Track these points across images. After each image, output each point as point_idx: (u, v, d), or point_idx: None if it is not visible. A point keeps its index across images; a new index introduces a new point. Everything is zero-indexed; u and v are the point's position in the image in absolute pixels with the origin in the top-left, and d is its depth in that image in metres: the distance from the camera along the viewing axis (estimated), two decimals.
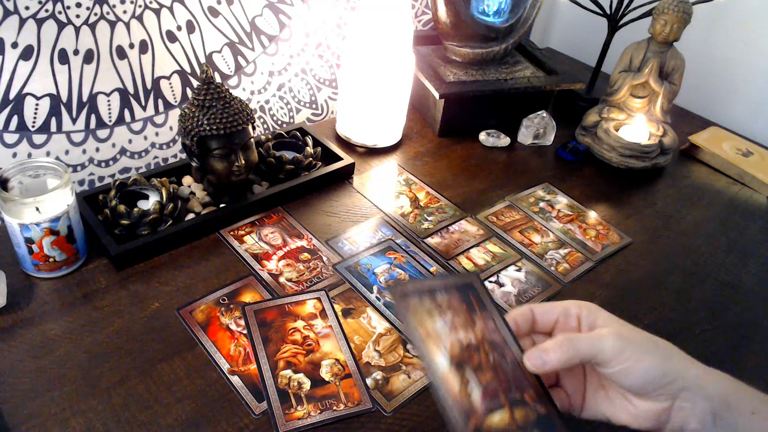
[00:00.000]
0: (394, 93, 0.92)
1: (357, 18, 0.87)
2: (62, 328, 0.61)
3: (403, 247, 0.77)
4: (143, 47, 0.82)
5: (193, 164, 0.75)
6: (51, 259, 0.65)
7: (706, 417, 0.41)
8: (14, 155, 0.77)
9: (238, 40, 0.91)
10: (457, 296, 0.46)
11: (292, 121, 1.05)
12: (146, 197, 0.76)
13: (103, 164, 0.86)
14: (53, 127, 0.79)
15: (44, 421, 0.53)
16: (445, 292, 0.46)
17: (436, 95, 0.94)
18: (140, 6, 0.79)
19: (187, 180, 0.81)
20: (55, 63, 0.75)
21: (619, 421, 0.43)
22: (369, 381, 0.59)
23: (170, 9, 0.82)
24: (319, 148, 0.88)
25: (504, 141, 1.02)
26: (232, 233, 0.76)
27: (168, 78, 0.86)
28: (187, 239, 0.73)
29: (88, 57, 0.77)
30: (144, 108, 0.86)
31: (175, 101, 0.89)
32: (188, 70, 0.88)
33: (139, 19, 0.80)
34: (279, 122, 1.04)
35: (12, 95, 0.74)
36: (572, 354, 0.41)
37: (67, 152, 0.82)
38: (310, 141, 0.87)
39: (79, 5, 0.74)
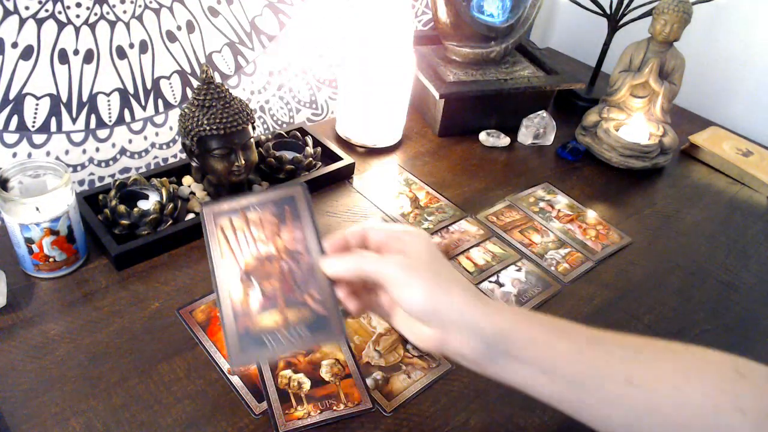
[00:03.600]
0: (394, 93, 0.92)
1: (357, 18, 0.87)
2: (62, 328, 0.61)
3: None
4: (143, 47, 0.82)
5: (193, 164, 0.75)
6: (51, 259, 0.65)
7: (477, 346, 0.44)
8: (14, 155, 0.77)
9: (238, 40, 0.91)
10: (271, 210, 0.50)
11: (292, 121, 1.05)
12: (146, 197, 0.76)
13: (103, 164, 0.86)
14: (53, 127, 0.79)
15: (44, 421, 0.53)
16: (259, 207, 0.50)
17: (436, 95, 0.94)
18: (140, 6, 0.79)
19: (187, 180, 0.81)
20: (55, 63, 0.75)
21: (411, 340, 0.47)
22: (369, 381, 0.59)
23: (170, 9, 0.82)
24: (319, 148, 0.88)
25: (504, 141, 1.02)
26: None
27: (168, 78, 0.86)
28: (187, 239, 0.73)
29: (88, 57, 0.77)
30: (144, 108, 0.86)
31: (175, 101, 0.89)
32: (188, 70, 0.88)
33: (139, 19, 0.79)
34: (279, 122, 1.04)
35: (12, 95, 0.74)
36: (357, 267, 0.46)
37: (67, 152, 0.82)
38: (310, 141, 0.87)
39: (79, 5, 0.74)
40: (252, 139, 0.75)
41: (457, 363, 0.62)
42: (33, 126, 0.77)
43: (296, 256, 0.49)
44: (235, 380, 0.58)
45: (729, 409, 0.42)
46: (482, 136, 1.02)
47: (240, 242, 0.49)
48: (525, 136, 1.03)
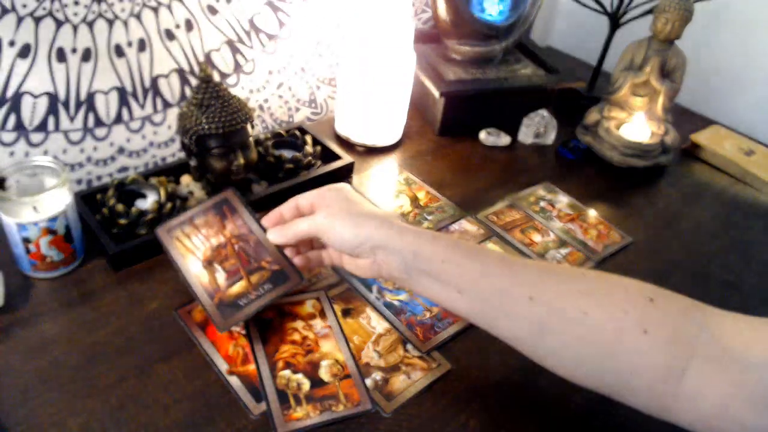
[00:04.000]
0: (394, 92, 0.91)
1: (357, 17, 0.87)
2: (60, 328, 0.61)
3: None
4: (141, 46, 0.81)
5: (192, 163, 0.75)
6: (48, 259, 0.65)
7: (400, 265, 0.53)
8: (11, 154, 0.77)
9: (236, 39, 0.91)
10: (212, 212, 0.63)
11: (291, 120, 1.05)
12: (144, 196, 0.76)
13: (101, 163, 0.86)
14: (51, 125, 0.78)
15: (41, 422, 0.52)
16: (202, 214, 0.63)
17: (436, 94, 0.94)
18: (138, 4, 0.78)
19: (185, 179, 0.81)
20: (52, 61, 0.75)
21: (356, 273, 0.58)
22: (368, 381, 0.59)
23: (168, 7, 0.81)
24: (318, 147, 0.87)
25: (504, 140, 1.01)
26: None
27: (166, 76, 0.86)
28: None
29: (86, 55, 0.77)
30: (142, 107, 0.86)
31: (174, 100, 0.89)
32: (187, 68, 0.87)
33: (138, 17, 0.79)
34: (278, 121, 1.04)
35: (9, 94, 0.73)
36: (296, 230, 0.58)
37: (64, 151, 0.81)
38: (309, 140, 0.87)
39: (77, 3, 0.73)
40: (251, 138, 0.74)
41: (457, 363, 0.62)
42: (30, 125, 0.77)
43: (244, 237, 0.62)
44: (234, 381, 0.58)
45: (632, 329, 0.44)
46: (482, 135, 1.02)
47: (194, 242, 0.62)
48: (525, 135, 1.02)
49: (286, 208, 0.61)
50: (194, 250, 0.62)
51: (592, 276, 0.49)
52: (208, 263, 0.61)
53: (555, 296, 0.47)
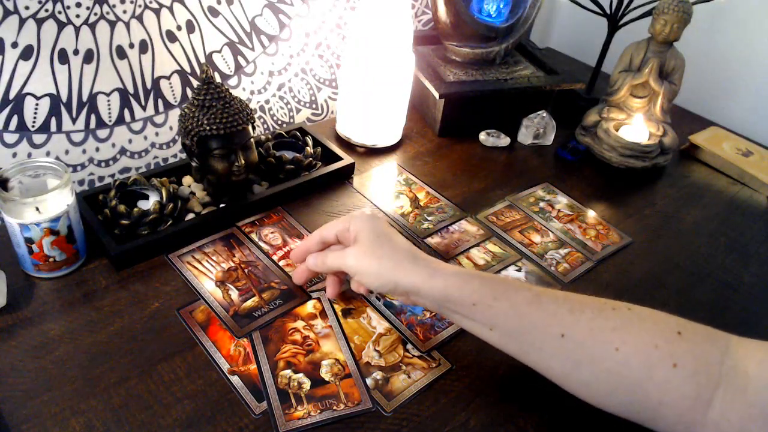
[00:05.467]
0: (394, 93, 0.92)
1: (357, 18, 0.88)
2: (62, 328, 0.61)
3: None
4: (143, 47, 0.82)
5: (193, 164, 0.75)
6: (51, 259, 0.65)
7: (432, 305, 0.56)
8: (14, 155, 0.77)
9: (238, 40, 0.91)
10: (221, 243, 0.73)
11: (292, 121, 1.05)
12: (146, 197, 0.76)
13: (103, 164, 0.86)
14: (53, 126, 0.79)
15: (44, 421, 0.53)
16: (211, 244, 0.73)
17: (436, 95, 0.94)
18: (140, 6, 0.79)
19: (187, 180, 0.81)
20: (55, 63, 0.75)
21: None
22: (369, 381, 0.59)
23: (170, 9, 0.82)
24: (319, 148, 0.88)
25: (504, 141, 1.02)
26: None
27: (168, 78, 0.86)
28: (187, 240, 0.73)
29: (88, 57, 0.77)
30: (144, 108, 0.86)
31: (175, 101, 0.89)
32: (188, 70, 0.88)
33: (139, 19, 0.79)
34: (279, 122, 1.04)
35: (12, 95, 0.74)
36: (321, 264, 0.62)
37: (67, 152, 0.82)
38: (310, 141, 0.87)
39: (79, 5, 0.74)
40: (252, 139, 0.75)
41: (457, 362, 0.62)
42: (33, 126, 0.77)
43: (252, 264, 0.70)
44: (235, 380, 0.58)
45: (662, 363, 0.46)
46: (482, 136, 1.02)
47: (205, 266, 0.69)
48: (525, 136, 1.03)
49: (312, 243, 0.63)
50: (205, 272, 0.68)
51: (623, 310, 0.50)
52: (221, 282, 0.67)
53: (587, 333, 0.49)
